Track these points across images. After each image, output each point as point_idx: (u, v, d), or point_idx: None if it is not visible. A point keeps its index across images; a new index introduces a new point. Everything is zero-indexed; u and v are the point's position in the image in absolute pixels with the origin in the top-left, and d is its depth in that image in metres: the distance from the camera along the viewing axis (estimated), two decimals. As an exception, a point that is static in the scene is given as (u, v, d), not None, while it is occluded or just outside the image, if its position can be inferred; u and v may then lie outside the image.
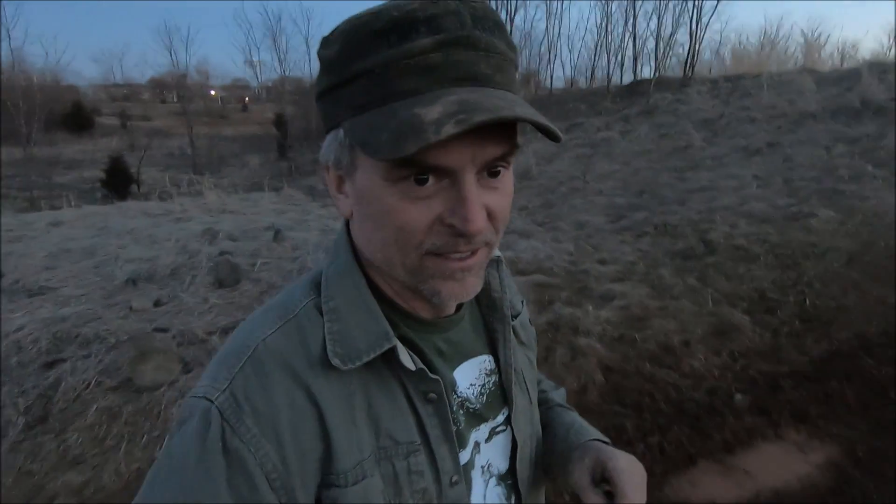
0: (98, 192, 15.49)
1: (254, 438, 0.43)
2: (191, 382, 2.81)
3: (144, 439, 2.39)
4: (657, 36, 16.01)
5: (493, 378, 0.60)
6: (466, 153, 0.42)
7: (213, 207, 8.46)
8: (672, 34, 15.74)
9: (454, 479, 0.52)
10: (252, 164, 20.08)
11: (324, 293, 0.51)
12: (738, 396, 2.76)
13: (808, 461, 2.35)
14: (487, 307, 0.62)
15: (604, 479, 0.57)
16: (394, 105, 0.41)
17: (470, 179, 0.44)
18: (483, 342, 0.60)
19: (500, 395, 0.60)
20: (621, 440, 2.42)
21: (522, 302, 0.69)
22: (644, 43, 16.93)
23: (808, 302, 3.57)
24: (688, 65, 13.10)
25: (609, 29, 17.52)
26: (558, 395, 0.80)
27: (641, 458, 2.33)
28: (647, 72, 15.88)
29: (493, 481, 0.59)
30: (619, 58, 17.29)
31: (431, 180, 0.43)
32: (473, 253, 0.47)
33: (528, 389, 0.64)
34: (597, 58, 18.25)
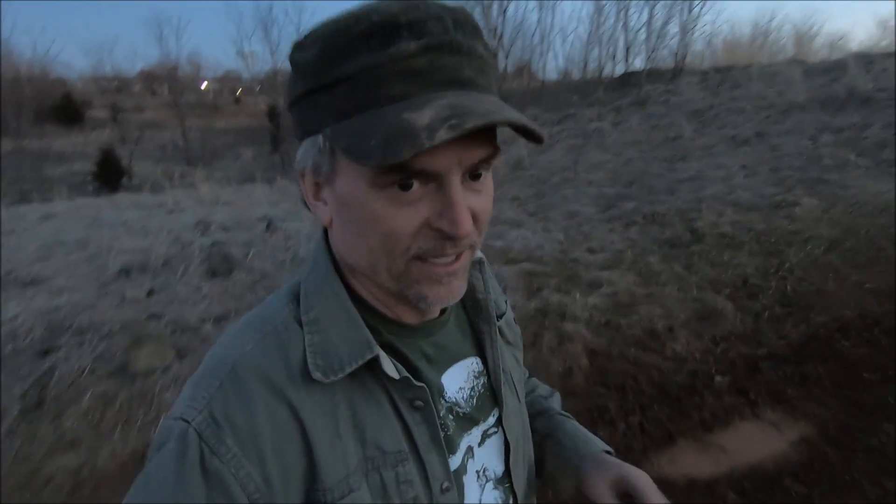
0: (89, 185, 15.40)
1: (234, 458, 0.42)
2: (184, 369, 2.87)
3: (139, 423, 2.44)
4: (649, 27, 16.04)
5: (482, 380, 0.59)
6: (453, 157, 0.43)
7: (206, 199, 8.47)
8: (664, 25, 15.77)
9: (445, 485, 0.51)
10: (245, 157, 20.01)
11: (303, 304, 0.50)
12: (718, 378, 2.85)
13: (782, 438, 2.44)
14: (472, 309, 0.62)
15: (626, 494, 0.60)
16: (380, 110, 0.41)
17: (456, 183, 0.44)
18: (470, 344, 0.60)
19: (490, 396, 0.60)
20: (603, 419, 2.51)
21: (506, 302, 0.69)
22: (636, 34, 16.96)
23: (788, 287, 3.66)
24: (678, 56, 13.15)
25: (601, 21, 17.51)
26: (556, 402, 0.81)
27: (622, 437, 2.41)
28: (639, 63, 15.93)
29: (489, 486, 0.59)
30: (612, 49, 17.31)
31: (416, 185, 0.43)
32: (458, 256, 0.47)
33: (516, 389, 0.63)
34: (589, 49, 18.25)
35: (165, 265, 4.62)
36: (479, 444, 0.58)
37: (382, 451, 0.48)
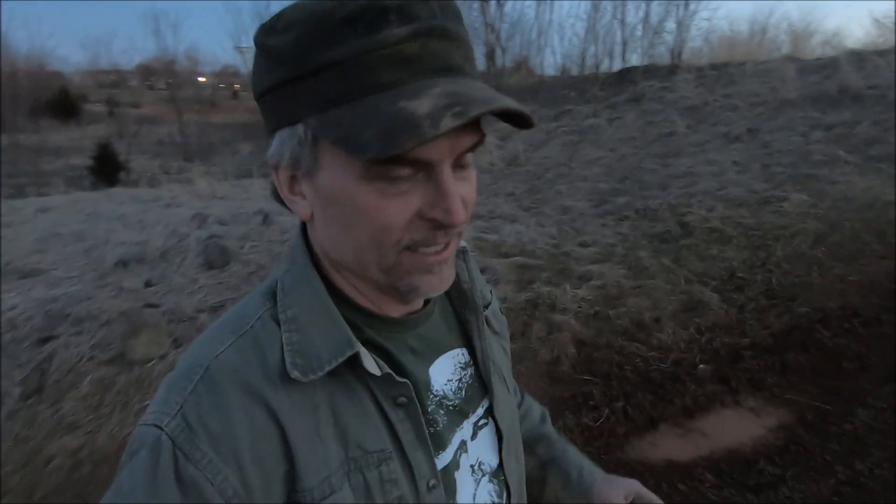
0: (86, 180, 15.40)
1: (210, 464, 0.41)
2: (180, 356, 2.94)
3: (136, 407, 2.51)
4: (645, 24, 16.09)
5: (470, 371, 0.59)
6: (445, 145, 0.42)
7: (203, 193, 8.51)
8: (661, 22, 15.82)
9: (431, 483, 0.50)
10: (242, 152, 20.00)
11: (280, 302, 0.49)
12: (702, 367, 2.93)
13: (761, 424, 2.52)
14: (458, 299, 0.61)
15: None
16: (371, 98, 0.39)
17: (448, 171, 0.43)
18: (456, 335, 0.59)
19: (478, 387, 0.59)
20: (588, 405, 2.58)
21: (491, 291, 0.69)
22: (633, 31, 16.99)
23: (774, 280, 3.74)
24: (674, 53, 13.21)
25: (598, 17, 17.54)
26: (549, 425, 0.81)
27: (606, 421, 2.49)
28: (637, 60, 15.97)
29: (485, 479, 0.58)
30: (609, 45, 17.35)
31: (408, 175, 0.42)
32: (446, 245, 0.47)
33: (504, 379, 0.63)
34: (586, 46, 18.28)
35: (162, 257, 4.68)
36: (472, 438, 0.57)
37: (365, 451, 0.47)
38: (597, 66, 15.56)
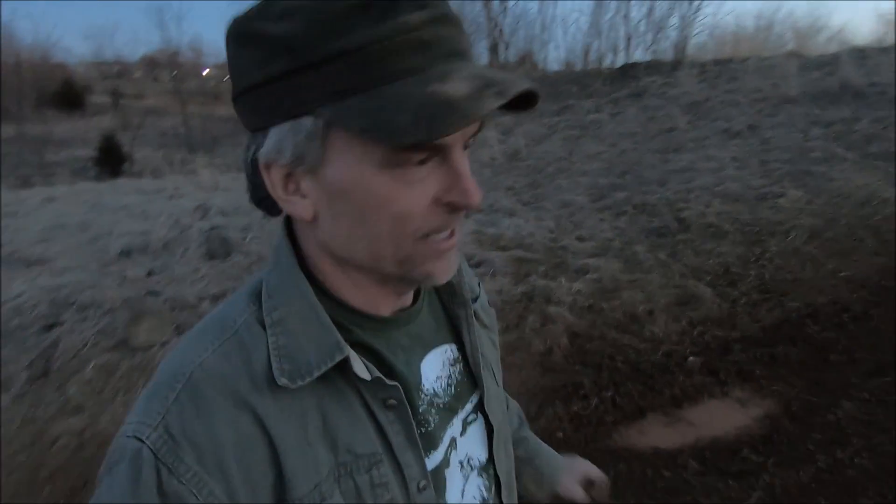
0: (91, 171, 15.50)
1: (195, 477, 0.39)
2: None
3: (139, 391, 2.59)
4: (648, 19, 16.05)
5: (458, 367, 0.58)
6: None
7: (206, 185, 8.58)
8: (665, 18, 15.77)
9: (422, 484, 0.49)
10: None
11: (265, 304, 0.47)
12: (691, 359, 2.98)
13: (747, 414, 2.58)
14: (447, 294, 0.60)
15: (587, 482, 0.81)
16: (395, 85, 0.39)
17: (461, 154, 0.44)
18: (445, 331, 0.59)
19: (467, 383, 0.59)
20: (577, 394, 2.65)
21: (479, 284, 0.69)
22: (637, 26, 16.95)
23: (767, 275, 3.79)
24: (678, 49, 13.19)
25: (601, 12, 17.50)
26: (527, 428, 0.86)
27: (594, 410, 2.56)
28: (640, 55, 15.96)
29: (473, 474, 0.58)
30: (613, 40, 17.31)
31: (424, 160, 0.42)
32: (453, 231, 0.47)
33: (494, 373, 0.63)
34: (590, 41, 18.24)
35: (165, 248, 4.75)
36: (462, 434, 0.57)
37: (355, 455, 0.46)
38: (600, 62, 15.55)
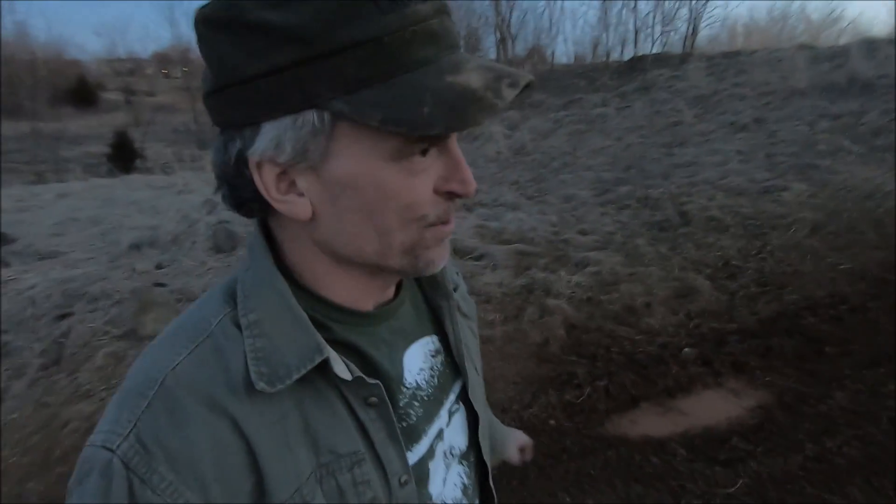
0: (103, 167, 15.76)
1: (170, 487, 0.38)
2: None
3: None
4: (658, 12, 15.90)
5: (440, 358, 0.58)
6: None
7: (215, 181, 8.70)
8: (673, 10, 15.62)
9: (403, 479, 0.49)
10: (255, 140, 20.19)
11: (241, 305, 0.45)
12: (687, 350, 3.02)
13: (740, 405, 2.61)
14: (430, 285, 0.60)
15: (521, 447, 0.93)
16: (410, 76, 0.38)
17: (456, 144, 0.44)
18: (426, 322, 0.59)
19: (449, 373, 0.59)
20: (571, 384, 2.70)
21: (458, 273, 0.69)
22: (645, 19, 16.80)
23: (766, 268, 3.80)
24: (686, 41, 13.06)
25: (610, 5, 17.36)
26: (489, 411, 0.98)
27: (587, 398, 2.61)
28: (649, 48, 15.83)
29: (454, 462, 0.58)
30: (622, 33, 17.18)
31: (427, 150, 0.42)
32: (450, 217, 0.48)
33: (474, 362, 0.64)
34: (598, 34, 18.12)
35: (174, 241, 4.86)
36: (448, 425, 0.58)
37: (337, 455, 0.45)
38: (607, 55, 15.45)
